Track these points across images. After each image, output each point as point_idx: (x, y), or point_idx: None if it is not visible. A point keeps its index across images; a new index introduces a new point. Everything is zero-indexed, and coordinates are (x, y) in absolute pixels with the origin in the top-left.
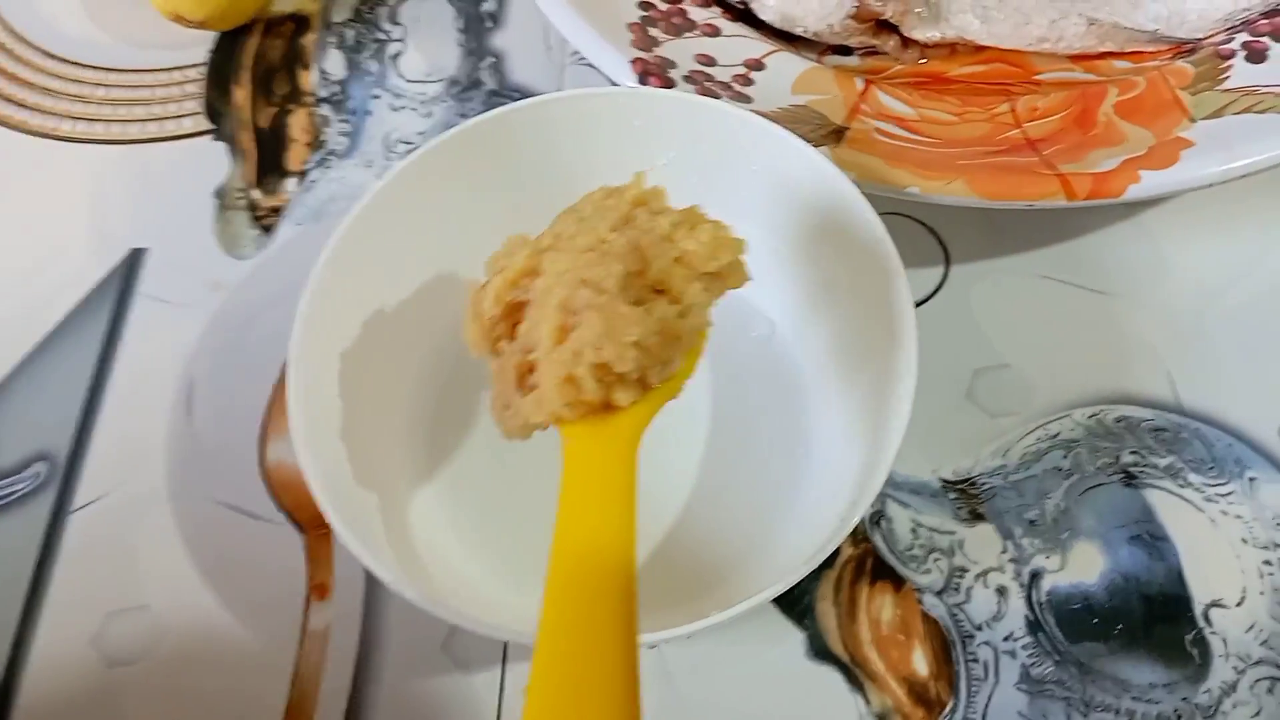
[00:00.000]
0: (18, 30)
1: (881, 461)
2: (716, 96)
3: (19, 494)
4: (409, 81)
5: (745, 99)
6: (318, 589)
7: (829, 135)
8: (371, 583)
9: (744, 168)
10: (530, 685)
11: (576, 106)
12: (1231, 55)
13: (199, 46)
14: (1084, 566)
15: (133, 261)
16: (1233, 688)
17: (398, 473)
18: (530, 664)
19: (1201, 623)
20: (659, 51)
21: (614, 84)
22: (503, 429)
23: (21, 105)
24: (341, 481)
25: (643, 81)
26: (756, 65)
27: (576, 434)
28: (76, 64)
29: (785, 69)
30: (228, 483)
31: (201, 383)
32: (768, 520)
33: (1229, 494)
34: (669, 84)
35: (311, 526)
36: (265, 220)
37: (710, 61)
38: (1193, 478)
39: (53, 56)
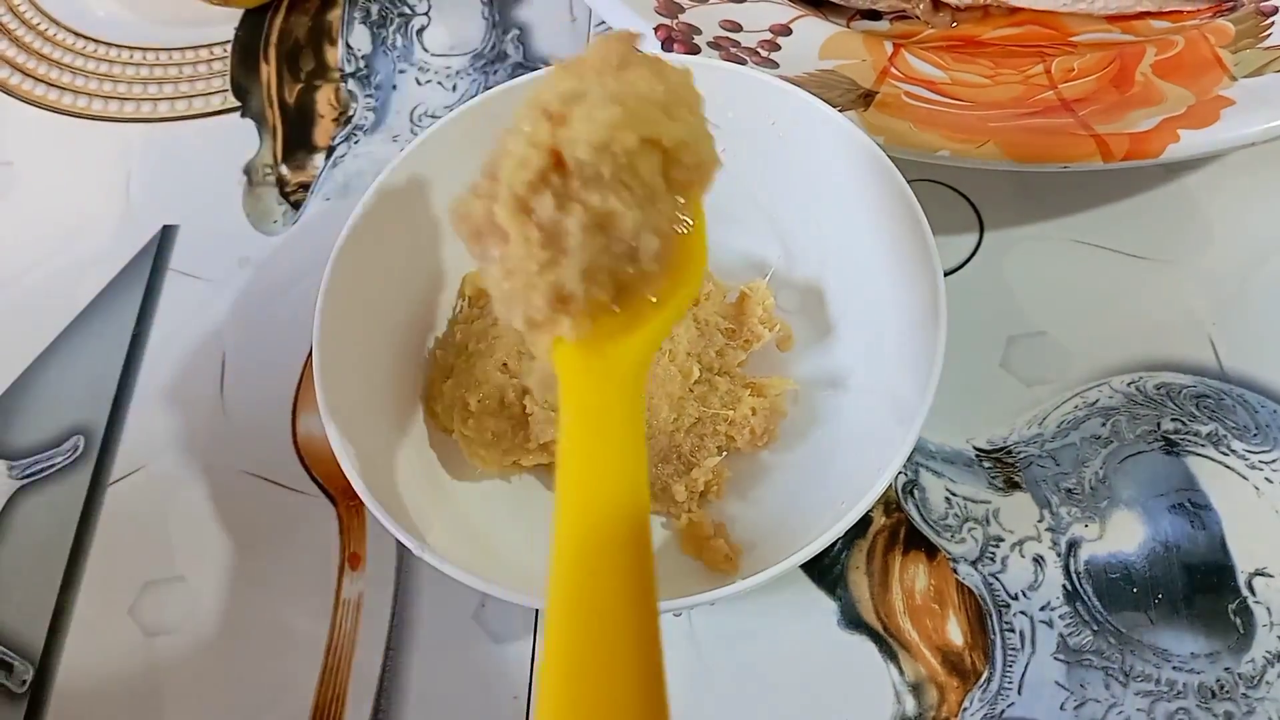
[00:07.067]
0: (47, 10)
1: (909, 429)
2: (742, 63)
3: (58, 466)
4: (434, 55)
5: (771, 65)
6: (351, 559)
7: (857, 100)
8: (404, 553)
9: (771, 134)
10: (545, 662)
11: None
12: (1274, 12)
13: (225, 24)
14: (1123, 536)
15: (164, 238)
16: (1277, 657)
17: (426, 443)
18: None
19: (1245, 592)
20: (683, 18)
21: None
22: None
23: (53, 85)
24: (370, 453)
25: (666, 48)
26: (783, 31)
27: (574, 368)
28: (105, 43)
29: (812, 34)
30: (260, 455)
31: (233, 356)
32: (797, 490)
33: (1274, 461)
34: (693, 51)
35: (344, 498)
36: (293, 196)
37: (735, 27)
38: (1236, 445)
39: (82, 36)
